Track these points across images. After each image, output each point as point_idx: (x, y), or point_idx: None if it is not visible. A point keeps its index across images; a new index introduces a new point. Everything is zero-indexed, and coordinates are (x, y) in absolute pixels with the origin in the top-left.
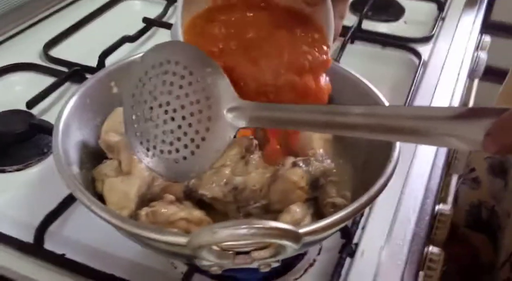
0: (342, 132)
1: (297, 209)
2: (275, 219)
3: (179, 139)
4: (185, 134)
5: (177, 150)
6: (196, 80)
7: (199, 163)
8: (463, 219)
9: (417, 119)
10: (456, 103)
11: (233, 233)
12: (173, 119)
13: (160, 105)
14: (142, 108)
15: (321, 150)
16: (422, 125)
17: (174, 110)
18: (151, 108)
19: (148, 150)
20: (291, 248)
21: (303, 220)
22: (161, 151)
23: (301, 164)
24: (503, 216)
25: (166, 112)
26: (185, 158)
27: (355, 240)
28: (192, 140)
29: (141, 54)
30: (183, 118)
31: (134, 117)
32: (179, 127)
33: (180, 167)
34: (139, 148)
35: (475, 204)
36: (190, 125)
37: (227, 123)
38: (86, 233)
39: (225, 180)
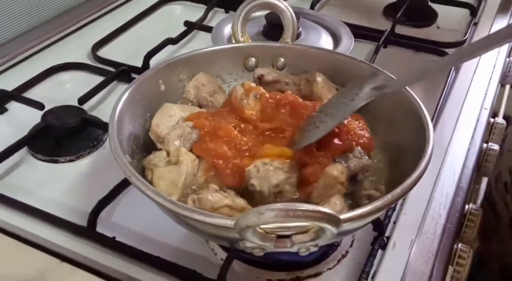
0: None
1: (336, 201)
2: None
3: None
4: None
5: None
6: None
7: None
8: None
9: None
10: (488, 106)
11: (278, 215)
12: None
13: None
14: None
15: (358, 147)
16: None
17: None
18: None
19: None
20: (330, 232)
21: (341, 212)
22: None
23: (341, 160)
24: None
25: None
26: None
27: (387, 234)
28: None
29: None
30: None
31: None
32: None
33: None
34: None
35: None
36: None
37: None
38: (133, 219)
39: (275, 182)
